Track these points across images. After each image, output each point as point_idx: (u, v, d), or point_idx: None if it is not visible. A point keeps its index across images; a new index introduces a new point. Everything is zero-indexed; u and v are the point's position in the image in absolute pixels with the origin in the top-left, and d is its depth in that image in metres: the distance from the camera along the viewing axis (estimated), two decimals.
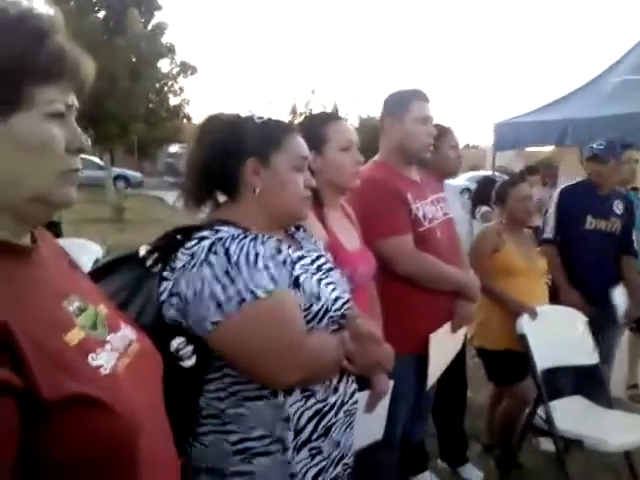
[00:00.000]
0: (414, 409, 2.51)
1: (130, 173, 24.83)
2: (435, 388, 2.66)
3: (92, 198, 17.16)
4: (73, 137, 0.89)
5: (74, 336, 0.83)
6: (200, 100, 28.23)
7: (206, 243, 1.35)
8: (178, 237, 1.41)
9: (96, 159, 21.48)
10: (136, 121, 17.55)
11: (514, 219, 3.29)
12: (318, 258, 1.59)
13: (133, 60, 16.79)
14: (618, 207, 3.59)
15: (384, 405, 2.04)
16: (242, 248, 1.35)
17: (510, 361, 3.11)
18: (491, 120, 10.36)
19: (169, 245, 1.40)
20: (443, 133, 3.04)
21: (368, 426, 1.99)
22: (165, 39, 17.86)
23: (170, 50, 18.03)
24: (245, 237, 1.38)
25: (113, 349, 0.90)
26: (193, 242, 1.37)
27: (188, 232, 1.40)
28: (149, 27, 17.78)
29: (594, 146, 3.65)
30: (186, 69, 18.93)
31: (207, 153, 1.50)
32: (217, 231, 1.38)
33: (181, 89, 20.13)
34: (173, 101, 20.63)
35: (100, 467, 0.80)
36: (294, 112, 20.14)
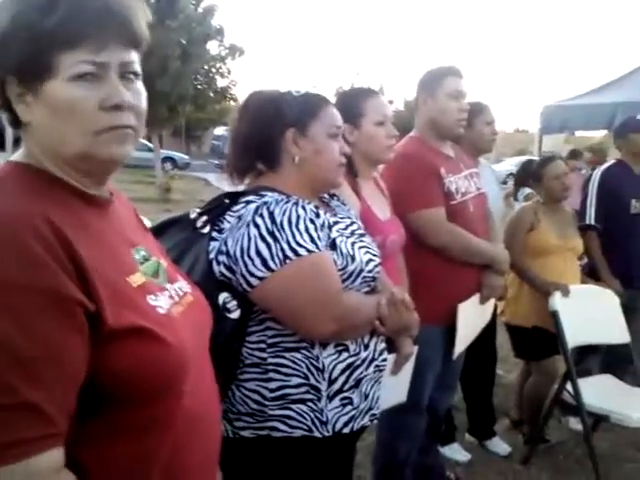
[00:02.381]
0: (441, 378, 2.58)
1: (177, 155, 25.34)
2: (463, 359, 2.73)
3: (141, 179, 17.64)
4: (108, 94, 0.89)
5: (137, 278, 0.95)
6: (247, 82, 28.41)
7: (252, 206, 1.48)
8: (226, 201, 1.54)
9: (145, 141, 21.94)
10: (185, 102, 17.84)
11: (551, 197, 3.31)
12: (351, 224, 1.70)
13: (183, 42, 17.03)
14: None
15: (408, 369, 2.13)
16: (285, 211, 1.47)
17: (538, 338, 3.16)
18: (542, 105, 10.21)
19: (218, 208, 1.54)
20: (479, 110, 3.08)
21: (393, 388, 2.09)
22: (214, 21, 18.04)
23: (219, 32, 18.20)
24: (288, 201, 1.50)
25: (170, 296, 1.01)
26: (240, 205, 1.50)
27: (235, 197, 1.54)
28: (199, 9, 17.95)
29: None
30: (234, 51, 19.08)
31: (250, 126, 1.63)
32: (262, 196, 1.51)
33: (229, 71, 20.32)
34: (221, 83, 20.85)
35: (151, 392, 0.90)
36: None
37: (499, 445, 3.30)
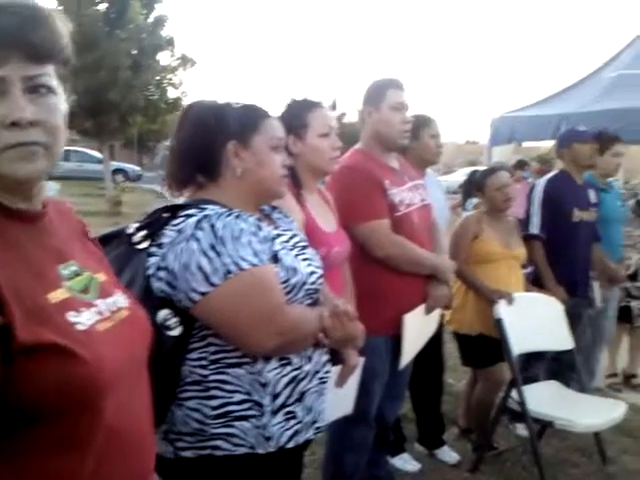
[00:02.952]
0: (389, 388, 2.59)
1: (129, 167, 24.98)
2: (410, 369, 2.75)
3: (90, 191, 17.30)
4: (9, 111, 0.86)
5: (59, 294, 0.92)
6: (199, 93, 28.27)
7: (193, 220, 1.45)
8: (165, 215, 1.51)
9: (95, 153, 21.53)
10: (136, 113, 17.62)
11: (493, 207, 3.37)
12: (293, 236, 1.70)
13: (134, 52, 16.85)
14: (592, 196, 3.69)
15: (354, 381, 2.13)
16: (227, 224, 1.45)
17: (483, 345, 3.20)
18: (491, 116, 10.45)
19: (156, 222, 1.51)
20: (424, 122, 3.13)
21: (339, 400, 2.09)
22: (165, 32, 17.92)
23: (170, 43, 18.09)
24: (229, 214, 1.48)
25: (99, 312, 0.98)
26: (180, 219, 1.47)
27: (174, 210, 1.51)
28: (150, 19, 17.80)
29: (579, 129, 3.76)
30: (185, 62, 19.00)
31: (190, 138, 1.60)
32: (203, 209, 1.48)
33: (180, 82, 20.21)
34: (172, 94, 20.71)
35: (64, 408, 0.88)
36: None
37: (448, 454, 3.32)
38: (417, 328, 2.52)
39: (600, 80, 9.67)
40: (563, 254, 3.52)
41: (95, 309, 0.98)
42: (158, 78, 19.13)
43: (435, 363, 3.35)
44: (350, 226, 2.38)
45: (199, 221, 1.44)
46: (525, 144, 10.34)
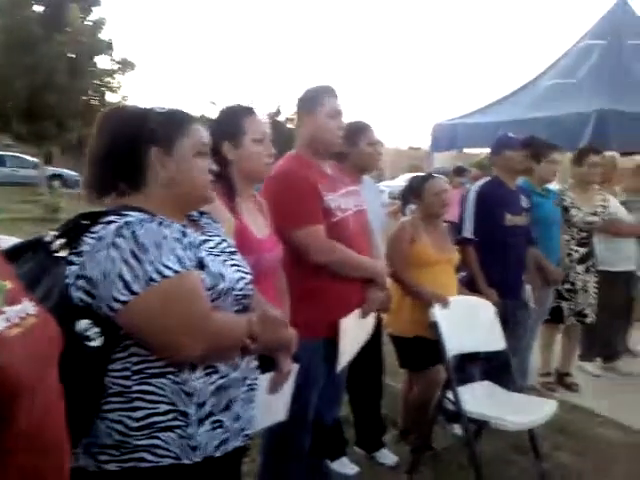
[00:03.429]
0: (326, 392, 2.60)
1: (66, 172, 24.26)
2: (347, 373, 2.76)
3: (27, 197, 16.75)
4: None
5: None
6: (139, 98, 27.75)
7: (113, 227, 1.41)
8: (84, 222, 1.46)
9: (32, 158, 20.86)
10: (74, 118, 17.17)
11: (430, 212, 3.44)
12: (221, 242, 1.68)
13: (72, 56, 16.45)
14: (524, 201, 3.81)
15: (288, 386, 2.13)
16: (149, 231, 1.42)
17: (420, 347, 3.26)
18: (432, 123, 10.67)
19: (75, 229, 1.45)
20: (361, 130, 3.17)
21: (272, 406, 2.08)
22: (104, 35, 17.56)
23: (109, 46, 17.74)
24: (152, 221, 1.45)
25: (7, 319, 0.97)
26: (99, 226, 1.42)
27: (94, 217, 1.46)
28: (88, 22, 17.42)
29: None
30: (125, 66, 18.63)
31: (110, 144, 1.56)
32: (124, 215, 1.44)
33: (120, 86, 19.81)
34: (111, 98, 20.27)
35: None
36: None
37: (387, 456, 3.36)
38: (353, 332, 2.54)
39: (536, 88, 10.03)
40: (495, 258, 3.62)
41: (3, 316, 0.97)
42: (97, 82, 18.71)
43: (374, 365, 3.38)
44: (286, 231, 2.39)
45: (120, 228, 1.41)
46: (466, 150, 10.62)
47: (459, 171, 7.64)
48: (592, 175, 4.47)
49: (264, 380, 2.01)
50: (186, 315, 1.42)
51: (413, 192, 3.60)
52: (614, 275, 4.76)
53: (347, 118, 3.14)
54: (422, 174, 4.02)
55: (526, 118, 8.63)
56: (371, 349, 3.13)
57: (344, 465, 3.21)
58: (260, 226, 2.18)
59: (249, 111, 2.25)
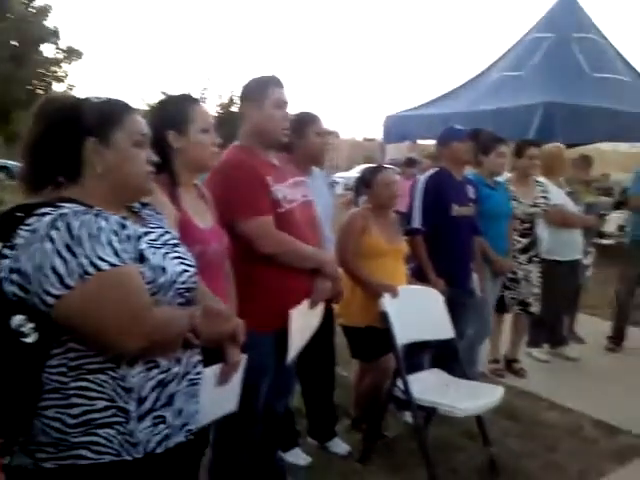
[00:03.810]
0: (276, 384, 2.59)
1: (11, 163, 23.47)
2: (296, 364, 2.76)
3: None
4: None
5: None
6: (86, 87, 26.99)
7: (47, 219, 1.37)
8: (18, 214, 1.41)
9: None
10: (18, 108, 16.64)
11: (380, 203, 3.46)
12: (164, 234, 1.65)
13: (15, 44, 15.92)
14: (471, 192, 3.88)
15: (237, 378, 2.11)
16: (84, 223, 1.38)
17: (371, 337, 3.29)
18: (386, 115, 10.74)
19: (9, 223, 1.40)
20: (309, 120, 3.16)
21: (221, 398, 2.06)
22: (49, 22, 17.04)
23: (54, 34, 17.22)
24: (87, 213, 1.41)
25: None
26: (34, 219, 1.38)
27: (28, 209, 1.41)
28: (31, 9, 16.87)
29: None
30: (71, 54, 18.12)
31: (45, 136, 1.51)
32: (59, 207, 1.40)
33: (66, 75, 19.26)
34: (58, 87, 19.72)
35: None
36: None
37: (339, 445, 3.38)
38: (303, 322, 2.54)
39: (486, 81, 10.20)
40: (443, 247, 3.67)
41: None
42: (42, 71, 18.15)
43: (326, 356, 3.39)
44: (233, 222, 2.37)
45: (54, 220, 1.36)
46: (421, 142, 10.75)
47: (410, 162, 7.72)
48: (531, 167, 4.57)
49: (213, 372, 2.00)
50: (123, 310, 1.38)
51: (364, 183, 3.61)
52: (561, 264, 4.89)
53: (301, 109, 3.17)
54: (373, 165, 4.04)
55: (475, 110, 8.78)
56: (323, 339, 3.14)
57: (296, 456, 3.22)
58: (204, 217, 2.15)
59: (195, 100, 2.23)
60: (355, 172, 15.23)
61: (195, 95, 2.30)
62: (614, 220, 9.94)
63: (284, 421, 3.03)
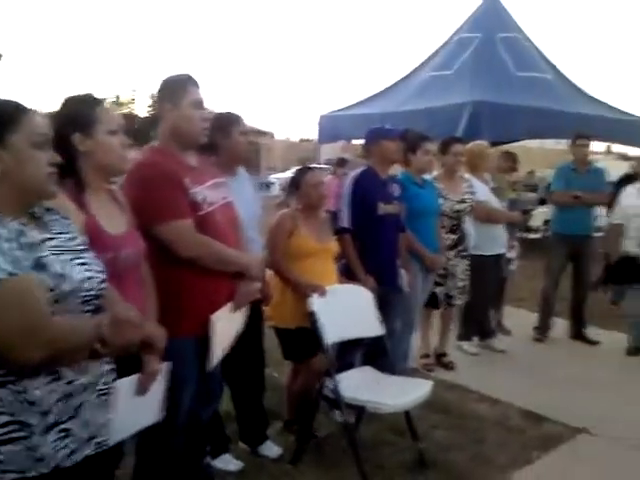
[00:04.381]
0: (201, 391, 2.54)
1: None
2: (221, 369, 2.71)
3: None
4: None
5: None
6: (6, 89, 25.85)
7: None
8: None
9: None
10: None
11: (308, 204, 3.45)
12: (70, 240, 1.58)
13: None
14: (396, 190, 3.92)
15: (158, 387, 2.06)
16: None
17: (303, 338, 3.28)
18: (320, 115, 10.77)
19: None
20: (233, 120, 3.11)
21: (142, 409, 2.01)
22: None
23: None
24: None
25: None
26: None
27: None
28: None
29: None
30: None
31: None
32: None
33: None
34: None
35: None
36: (118, 102, 19.51)
37: (270, 448, 3.35)
38: (225, 327, 2.49)
39: (414, 80, 10.37)
40: (371, 246, 3.70)
41: None
42: None
43: (255, 358, 3.35)
44: (152, 226, 2.30)
45: None
46: (355, 141, 10.83)
47: (342, 162, 7.78)
48: (457, 163, 4.69)
49: (130, 382, 1.94)
50: (21, 320, 1.33)
51: (293, 184, 3.60)
52: (486, 259, 5.02)
53: (227, 110, 3.12)
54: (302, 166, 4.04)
55: (406, 110, 8.91)
56: (251, 342, 3.11)
57: (227, 461, 3.17)
58: (117, 221, 2.07)
59: (100, 101, 2.15)
60: (291, 173, 15.30)
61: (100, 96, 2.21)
62: (540, 215, 10.32)
63: (212, 427, 2.99)
